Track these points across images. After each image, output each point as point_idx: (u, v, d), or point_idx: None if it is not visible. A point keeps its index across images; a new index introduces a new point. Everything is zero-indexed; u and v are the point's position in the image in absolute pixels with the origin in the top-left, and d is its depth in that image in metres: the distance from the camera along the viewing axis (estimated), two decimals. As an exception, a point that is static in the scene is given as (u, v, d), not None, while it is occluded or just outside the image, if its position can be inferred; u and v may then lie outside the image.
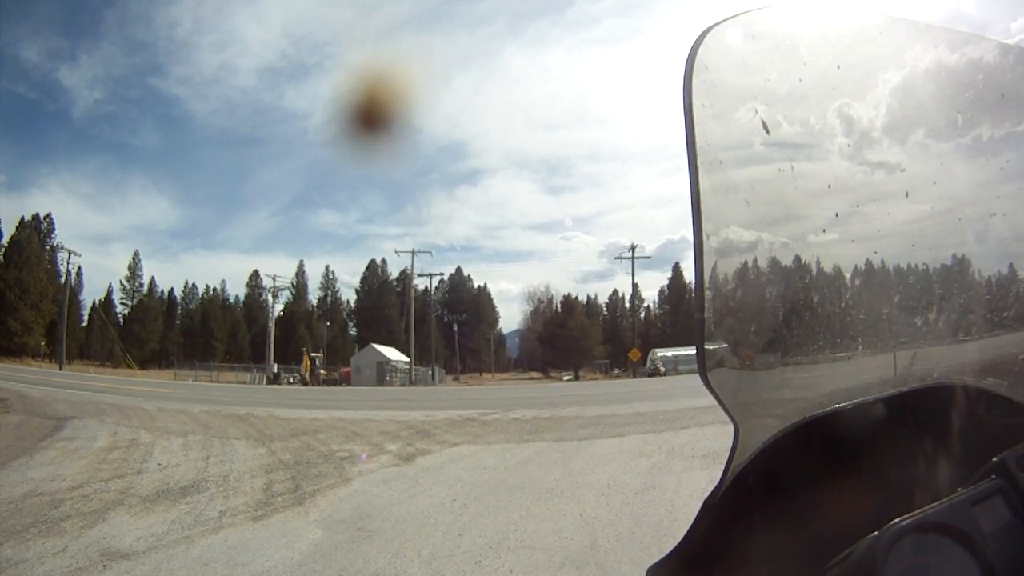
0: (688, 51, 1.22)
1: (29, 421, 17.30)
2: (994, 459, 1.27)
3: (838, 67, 1.44)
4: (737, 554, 1.32)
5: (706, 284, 1.23)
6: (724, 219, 1.27)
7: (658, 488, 9.60)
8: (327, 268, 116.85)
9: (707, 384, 1.24)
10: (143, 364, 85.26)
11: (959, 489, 1.24)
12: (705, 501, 1.30)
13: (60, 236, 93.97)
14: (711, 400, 1.26)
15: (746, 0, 1.34)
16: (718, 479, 1.31)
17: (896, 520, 1.11)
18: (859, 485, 1.40)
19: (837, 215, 1.47)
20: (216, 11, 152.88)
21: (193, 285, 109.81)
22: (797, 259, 1.46)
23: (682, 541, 1.30)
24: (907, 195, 1.53)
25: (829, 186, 1.46)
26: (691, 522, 1.30)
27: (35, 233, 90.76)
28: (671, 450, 12.42)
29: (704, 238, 1.20)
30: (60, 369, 66.90)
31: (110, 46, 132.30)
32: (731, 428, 1.29)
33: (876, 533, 1.10)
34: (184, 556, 7.18)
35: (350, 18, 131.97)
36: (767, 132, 1.32)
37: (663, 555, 1.31)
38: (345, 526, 8.28)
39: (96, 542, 7.56)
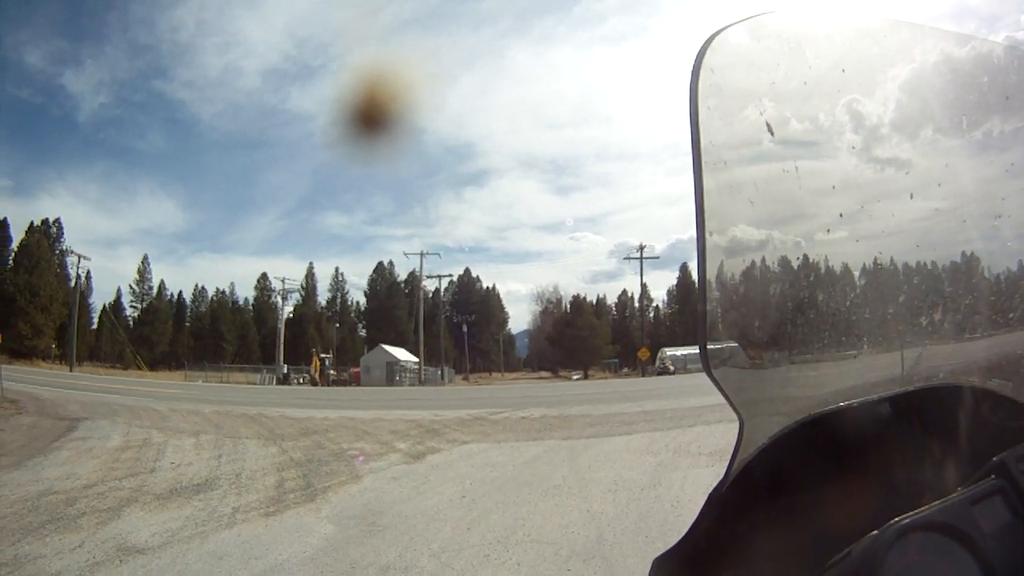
0: (695, 54, 1.25)
1: (42, 422, 17.34)
2: (994, 459, 1.29)
3: (843, 70, 1.47)
4: (739, 549, 1.33)
5: (711, 282, 1.26)
6: (729, 218, 1.29)
7: (664, 485, 9.64)
8: (336, 270, 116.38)
9: (711, 377, 1.25)
10: (153, 366, 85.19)
11: (959, 489, 1.26)
12: (709, 496, 1.31)
13: (69, 240, 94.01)
14: (719, 398, 1.28)
15: (754, 1, 1.42)
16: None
17: (896, 519, 1.13)
18: (861, 484, 1.41)
19: (842, 214, 1.48)
20: (219, 14, 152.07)
21: (202, 288, 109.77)
22: (803, 258, 1.48)
23: (686, 535, 1.31)
24: (913, 194, 1.55)
25: (834, 187, 1.48)
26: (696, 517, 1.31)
27: (44, 238, 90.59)
28: (678, 448, 12.45)
29: (707, 235, 1.21)
30: (71, 371, 66.85)
31: (114, 50, 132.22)
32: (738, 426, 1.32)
33: (876, 532, 1.11)
34: (199, 551, 7.26)
35: (353, 18, 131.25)
36: (771, 133, 1.35)
37: (668, 548, 1.32)
38: (356, 521, 8.35)
39: (112, 538, 7.65)
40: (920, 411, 1.53)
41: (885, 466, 1.44)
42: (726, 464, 1.32)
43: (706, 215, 1.21)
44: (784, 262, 1.46)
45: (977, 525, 1.17)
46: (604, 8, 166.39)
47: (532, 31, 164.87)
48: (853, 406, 1.47)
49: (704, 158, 1.22)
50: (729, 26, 1.30)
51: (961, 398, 1.56)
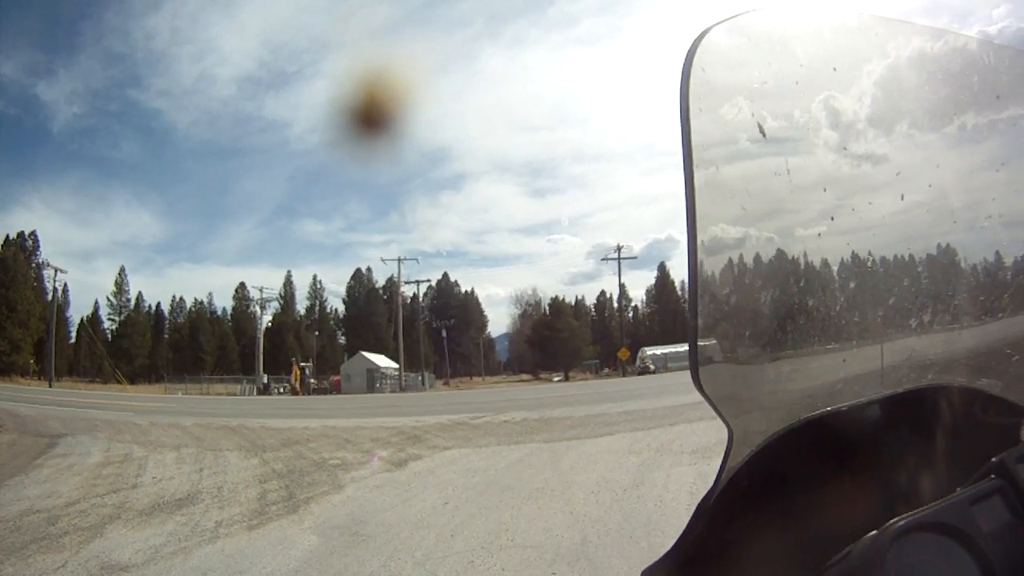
0: (684, 54, 1.25)
1: (22, 440, 17.18)
2: (993, 459, 1.28)
3: (834, 69, 1.50)
4: (732, 556, 1.32)
5: (699, 284, 1.25)
6: (716, 217, 1.29)
7: (647, 484, 9.64)
8: (314, 278, 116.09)
9: (699, 388, 1.24)
10: (133, 379, 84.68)
11: (958, 489, 1.25)
12: (700, 503, 1.29)
13: (45, 253, 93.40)
14: (699, 396, 1.26)
15: (730, 1, 1.44)
16: (707, 474, 1.34)
17: (895, 519, 1.13)
18: (856, 486, 1.40)
19: (828, 211, 1.49)
20: (193, 21, 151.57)
21: (180, 299, 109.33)
22: (787, 255, 1.48)
23: (676, 543, 1.30)
24: (896, 187, 1.57)
25: (823, 188, 1.50)
26: (681, 518, 1.31)
27: (20, 251, 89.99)
28: (660, 447, 12.48)
29: (699, 240, 1.21)
30: (50, 386, 66.26)
31: (88, 60, 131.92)
32: (720, 422, 1.30)
33: (875, 532, 1.11)
34: (182, 566, 7.23)
35: (327, 25, 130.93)
36: (762, 132, 1.36)
37: (657, 557, 1.30)
38: (339, 531, 8.34)
39: (95, 556, 7.59)
40: (913, 413, 1.54)
41: (881, 468, 1.44)
42: (709, 462, 1.32)
43: (697, 215, 1.21)
44: (770, 260, 1.45)
45: (976, 525, 1.17)
46: (578, 10, 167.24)
47: (505, 34, 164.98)
48: (844, 409, 1.47)
49: (695, 158, 1.22)
50: (715, 25, 1.31)
51: (953, 399, 1.57)
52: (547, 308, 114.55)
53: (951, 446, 1.47)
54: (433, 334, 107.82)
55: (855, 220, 1.54)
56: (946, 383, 1.64)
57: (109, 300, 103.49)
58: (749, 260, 1.42)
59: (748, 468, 1.33)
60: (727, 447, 1.31)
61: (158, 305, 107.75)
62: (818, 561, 1.15)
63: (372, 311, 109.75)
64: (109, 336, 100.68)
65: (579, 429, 16.26)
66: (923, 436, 1.50)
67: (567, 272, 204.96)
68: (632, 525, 7.71)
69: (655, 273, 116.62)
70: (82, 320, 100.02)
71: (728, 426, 1.29)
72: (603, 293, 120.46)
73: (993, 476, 1.27)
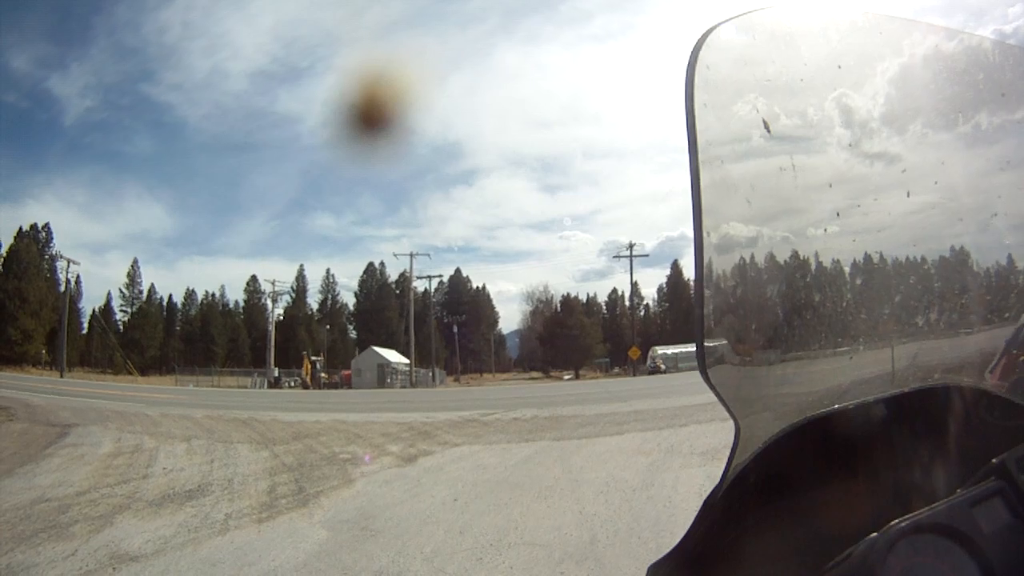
0: (690, 51, 1.25)
1: (33, 429, 17.25)
2: (994, 460, 1.28)
3: (839, 67, 1.48)
4: (737, 553, 1.32)
5: (707, 280, 1.24)
6: (724, 215, 1.29)
7: (656, 485, 9.63)
8: (327, 272, 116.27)
9: (707, 381, 1.24)
10: (144, 371, 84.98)
11: (958, 490, 1.25)
12: (706, 500, 1.30)
13: (57, 245, 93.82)
14: (710, 397, 1.27)
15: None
16: (716, 476, 1.34)
17: (895, 521, 1.12)
18: (859, 486, 1.40)
19: (837, 210, 1.48)
20: (205, 15, 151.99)
21: (192, 291, 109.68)
22: (797, 254, 1.48)
23: (682, 540, 1.30)
24: (906, 187, 1.55)
25: (829, 183, 1.48)
26: (690, 520, 1.29)
27: (33, 243, 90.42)
28: (670, 447, 12.42)
29: (705, 235, 1.21)
30: (61, 377, 66.45)
31: (100, 53, 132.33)
32: (730, 425, 1.30)
33: (875, 534, 1.10)
34: (192, 557, 7.26)
35: (340, 19, 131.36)
36: (767, 130, 1.35)
37: (663, 553, 1.30)
38: (349, 526, 8.35)
39: (105, 545, 7.63)
40: (918, 412, 1.52)
41: (884, 468, 1.44)
42: (718, 464, 1.31)
43: (703, 213, 1.21)
44: (779, 259, 1.46)
45: (977, 526, 1.17)
46: (591, 6, 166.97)
47: (519, 30, 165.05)
48: (850, 408, 1.47)
49: (700, 156, 1.22)
50: (722, 23, 1.31)
51: (958, 399, 1.55)
52: (559, 305, 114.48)
53: (956, 447, 1.47)
54: (444, 330, 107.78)
55: (862, 219, 1.54)
56: (952, 383, 1.63)
57: (121, 292, 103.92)
58: (757, 258, 1.42)
59: (754, 465, 1.33)
60: (734, 444, 1.31)
61: (170, 297, 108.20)
62: (819, 561, 1.15)
63: (384, 306, 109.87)
64: (121, 327, 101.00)
65: (589, 428, 16.19)
66: (927, 436, 1.49)
67: (579, 269, 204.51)
68: (641, 526, 7.69)
69: (667, 271, 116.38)
70: (94, 311, 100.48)
71: (735, 421, 1.30)
72: (615, 291, 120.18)
73: (993, 478, 1.26)
